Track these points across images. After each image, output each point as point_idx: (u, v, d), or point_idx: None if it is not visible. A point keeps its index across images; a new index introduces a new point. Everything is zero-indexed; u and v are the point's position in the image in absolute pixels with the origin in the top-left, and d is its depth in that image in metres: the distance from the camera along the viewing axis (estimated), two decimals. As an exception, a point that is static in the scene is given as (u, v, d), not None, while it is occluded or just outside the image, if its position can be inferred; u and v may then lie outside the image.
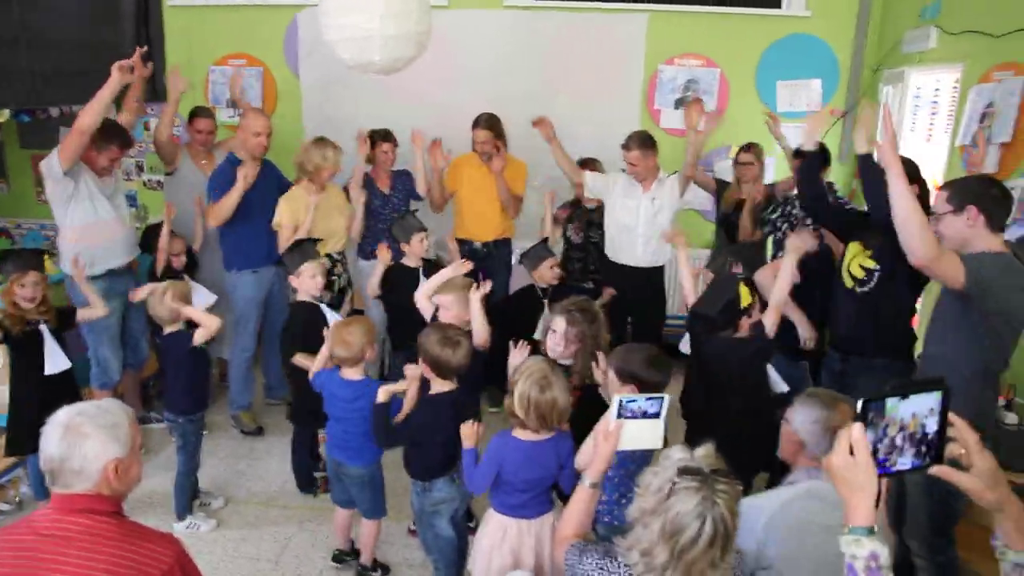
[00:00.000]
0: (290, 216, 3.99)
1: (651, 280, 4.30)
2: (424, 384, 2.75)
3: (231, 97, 5.26)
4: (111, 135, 3.79)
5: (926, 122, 4.53)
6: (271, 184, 4.19)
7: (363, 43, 2.81)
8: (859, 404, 1.21)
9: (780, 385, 3.03)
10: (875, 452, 1.22)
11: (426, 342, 2.64)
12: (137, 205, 5.56)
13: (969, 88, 3.76)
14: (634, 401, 1.89)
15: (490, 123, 4.40)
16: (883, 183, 2.83)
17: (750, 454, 2.69)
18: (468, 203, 4.57)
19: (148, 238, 4.22)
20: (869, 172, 2.95)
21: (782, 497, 1.89)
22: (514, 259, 5.00)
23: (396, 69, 3.02)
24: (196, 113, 4.50)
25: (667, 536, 1.44)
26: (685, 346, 3.25)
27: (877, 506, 1.21)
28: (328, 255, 4.01)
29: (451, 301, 3.16)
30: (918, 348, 3.06)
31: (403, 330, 3.81)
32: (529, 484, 2.35)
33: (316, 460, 3.81)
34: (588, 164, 4.53)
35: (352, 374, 2.92)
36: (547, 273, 3.85)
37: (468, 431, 2.47)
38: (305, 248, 3.61)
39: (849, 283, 3.19)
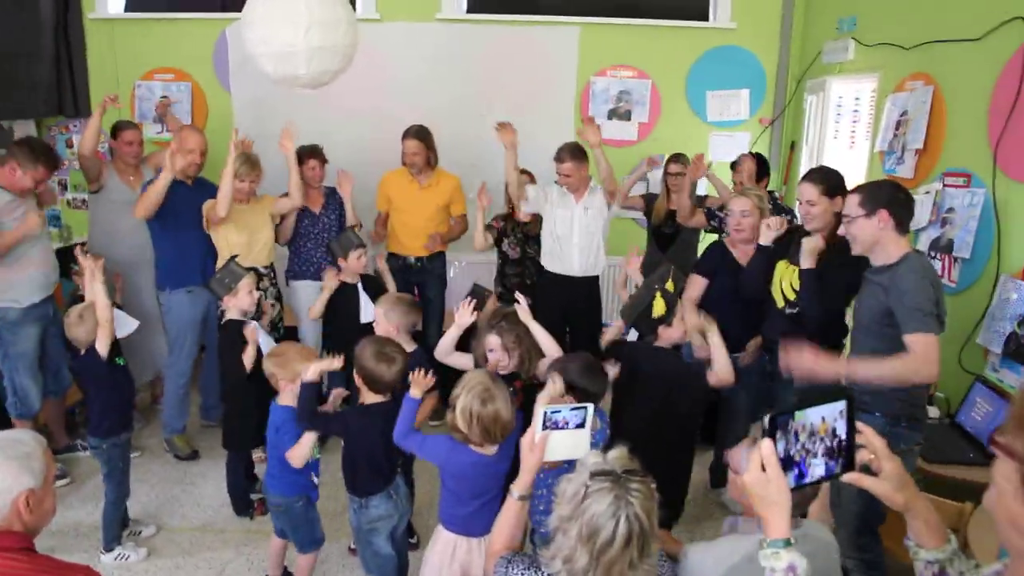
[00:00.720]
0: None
1: (587, 290, 4.31)
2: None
3: (159, 114, 5.15)
4: (38, 154, 3.65)
5: (848, 129, 4.70)
6: (203, 201, 4.09)
7: (288, 57, 2.77)
8: (766, 420, 1.23)
9: None
10: (790, 459, 1.25)
11: (361, 355, 2.62)
12: (61, 225, 5.37)
13: (885, 97, 3.91)
14: (558, 412, 1.89)
15: (420, 134, 4.38)
16: (816, 293, 3.00)
17: (665, 459, 2.74)
18: (399, 217, 4.52)
19: (66, 262, 4.07)
20: (806, 283, 3.07)
21: (740, 551, 1.79)
22: (451, 271, 5.00)
23: (323, 83, 2.99)
24: (121, 126, 4.35)
25: (585, 539, 1.45)
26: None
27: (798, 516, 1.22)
28: (254, 269, 3.93)
29: (378, 315, 3.13)
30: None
31: (339, 348, 3.74)
32: (475, 494, 2.34)
33: (252, 481, 3.73)
34: (524, 173, 4.52)
35: (284, 399, 2.86)
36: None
37: (419, 379, 2.46)
38: (231, 267, 3.53)
39: (780, 303, 3.27)
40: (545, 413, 1.87)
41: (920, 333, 2.36)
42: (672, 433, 2.79)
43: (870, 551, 2.66)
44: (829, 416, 1.28)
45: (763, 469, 1.23)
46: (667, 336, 2.89)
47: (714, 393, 3.00)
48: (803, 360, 2.54)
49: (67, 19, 5.22)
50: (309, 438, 2.74)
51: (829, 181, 3.07)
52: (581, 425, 1.90)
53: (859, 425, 1.31)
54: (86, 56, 5.36)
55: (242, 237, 4.03)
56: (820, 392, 1.29)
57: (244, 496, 3.67)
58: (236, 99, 5.43)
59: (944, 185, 3.33)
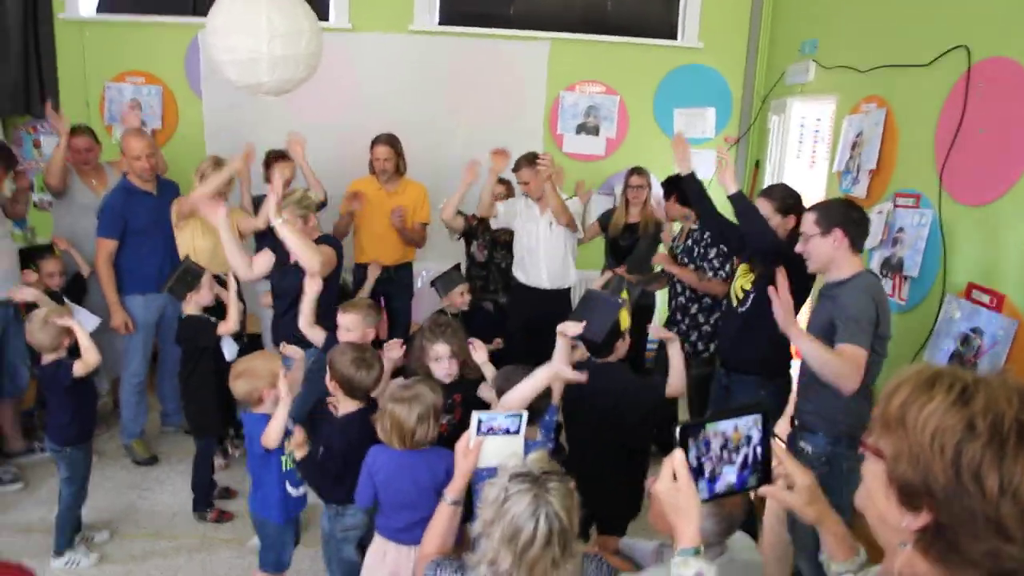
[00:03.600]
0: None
1: (557, 302, 4.32)
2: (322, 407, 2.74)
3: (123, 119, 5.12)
4: None
5: (810, 149, 4.80)
6: (167, 207, 4.08)
7: (251, 64, 2.79)
8: (678, 431, 1.25)
9: None
10: (702, 468, 1.27)
11: (339, 361, 2.62)
12: (25, 227, 5.32)
13: (843, 118, 4.01)
14: (493, 418, 1.92)
15: (391, 140, 4.43)
16: (756, 218, 3.01)
17: (618, 469, 2.79)
18: (367, 227, 4.55)
19: (26, 262, 4.04)
20: (742, 209, 3.11)
21: None
22: (419, 283, 5.02)
23: (286, 90, 3.01)
24: (74, 132, 4.31)
25: (507, 540, 1.49)
26: None
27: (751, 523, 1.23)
28: (216, 276, 3.92)
29: (353, 322, 3.14)
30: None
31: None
32: (407, 502, 2.35)
33: (213, 487, 3.74)
34: (501, 183, 4.54)
35: (264, 407, 2.77)
36: (458, 299, 3.89)
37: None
38: (187, 265, 3.54)
39: (734, 302, 3.35)
40: (480, 419, 1.89)
41: (851, 344, 2.43)
42: (622, 444, 2.82)
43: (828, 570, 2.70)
44: (743, 427, 1.30)
45: (674, 478, 1.25)
46: (621, 351, 2.90)
47: (670, 404, 3.04)
48: (783, 295, 2.58)
49: (36, 19, 5.18)
50: (280, 416, 2.62)
51: (784, 199, 3.16)
52: (516, 431, 1.93)
53: (772, 440, 1.34)
54: (55, 56, 5.33)
55: (207, 242, 4.03)
56: (732, 409, 1.31)
57: (208, 492, 3.66)
58: (207, 105, 5.42)
59: (895, 205, 3.42)
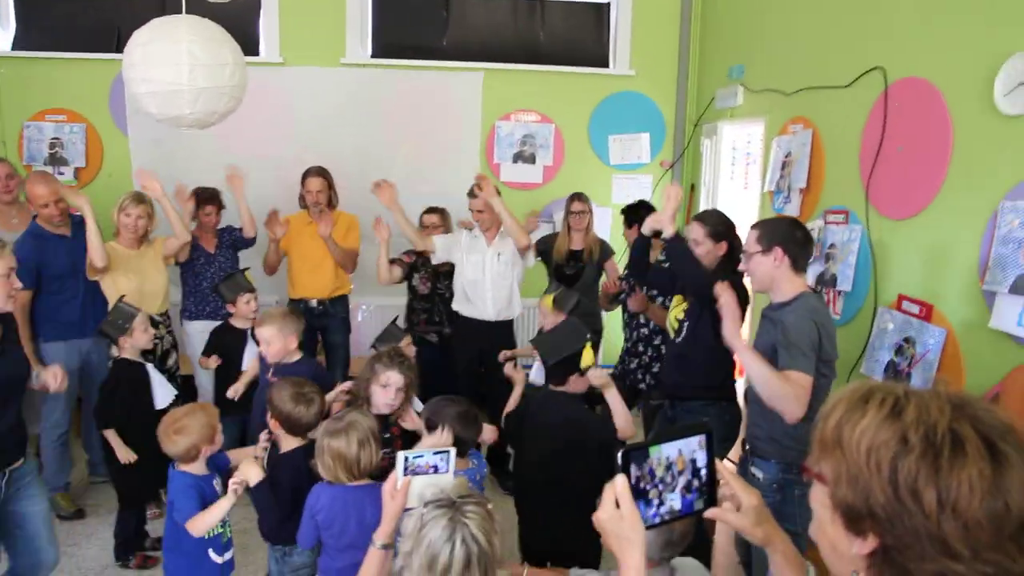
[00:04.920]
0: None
1: (503, 333, 4.26)
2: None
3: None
4: None
5: (743, 171, 4.91)
6: (83, 247, 3.88)
7: (172, 96, 2.71)
8: (619, 456, 1.20)
9: None
10: (646, 494, 1.22)
11: (277, 397, 2.54)
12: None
13: (772, 140, 4.11)
14: (421, 456, 1.85)
15: (322, 172, 4.37)
16: (689, 262, 3.05)
17: (575, 501, 2.71)
18: (300, 262, 4.46)
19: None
20: (675, 255, 3.13)
21: None
22: (359, 315, 4.92)
23: (211, 123, 2.93)
24: None
25: (426, 568, 1.46)
26: (536, 375, 3.25)
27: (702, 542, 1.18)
28: (149, 317, 3.78)
29: (272, 334, 3.03)
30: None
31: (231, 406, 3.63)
32: (351, 542, 2.26)
33: (142, 537, 3.57)
34: (435, 212, 4.51)
35: (194, 467, 2.61)
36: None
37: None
38: (120, 307, 3.39)
39: (672, 333, 3.35)
40: (406, 458, 1.83)
41: (795, 371, 2.38)
42: (572, 479, 2.72)
43: None
44: (687, 450, 1.25)
45: (617, 506, 1.20)
46: (576, 386, 2.83)
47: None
48: (730, 304, 2.58)
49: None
50: (220, 509, 2.45)
51: (716, 225, 3.17)
52: (445, 469, 1.86)
53: (717, 462, 1.30)
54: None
55: (132, 283, 3.86)
56: (675, 431, 1.28)
57: (129, 541, 3.48)
58: (133, 142, 5.26)
59: (826, 222, 3.50)
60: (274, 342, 3.00)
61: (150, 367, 3.45)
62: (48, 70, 5.22)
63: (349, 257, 4.48)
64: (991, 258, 2.42)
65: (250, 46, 5.17)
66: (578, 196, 4.62)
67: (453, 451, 1.90)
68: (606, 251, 4.68)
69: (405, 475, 1.83)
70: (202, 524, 2.45)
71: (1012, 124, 2.37)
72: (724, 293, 2.62)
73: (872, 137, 3.12)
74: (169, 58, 2.70)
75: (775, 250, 2.53)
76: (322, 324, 4.47)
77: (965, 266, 2.58)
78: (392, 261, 4.29)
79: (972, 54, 2.56)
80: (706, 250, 3.11)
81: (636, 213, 4.09)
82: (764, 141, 4.30)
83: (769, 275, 2.57)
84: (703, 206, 5.17)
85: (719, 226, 3.16)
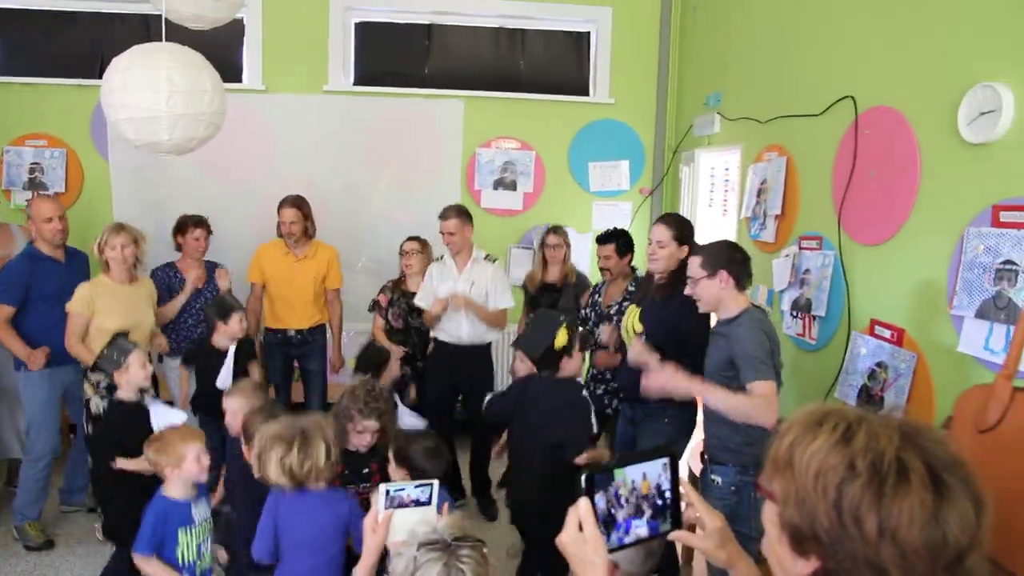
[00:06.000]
0: (83, 304, 3.70)
1: (479, 356, 4.25)
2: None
3: None
4: None
5: (721, 198, 4.96)
6: (74, 275, 3.87)
7: (150, 123, 2.72)
8: (583, 479, 1.20)
9: None
10: (612, 518, 1.22)
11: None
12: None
13: (748, 167, 4.17)
14: (402, 489, 1.81)
15: (297, 202, 4.31)
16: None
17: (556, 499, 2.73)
18: (277, 292, 4.40)
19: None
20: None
21: None
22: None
23: (188, 149, 2.94)
24: None
25: None
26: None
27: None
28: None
29: (239, 405, 2.97)
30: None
31: (207, 413, 3.61)
32: (312, 549, 2.24)
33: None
34: (415, 240, 4.46)
35: (170, 489, 2.60)
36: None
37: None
38: (118, 343, 3.34)
39: (629, 342, 3.39)
40: (388, 491, 1.79)
41: (759, 380, 2.49)
42: (566, 463, 2.73)
43: None
44: (652, 473, 1.26)
45: (580, 529, 1.19)
46: (570, 367, 2.95)
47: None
48: (658, 378, 2.65)
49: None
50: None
51: (681, 229, 3.27)
52: (427, 502, 1.83)
53: (681, 482, 1.31)
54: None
55: (115, 324, 3.68)
56: (638, 453, 1.29)
57: None
58: (114, 168, 5.25)
59: (800, 248, 3.54)
60: (240, 415, 2.95)
61: (149, 400, 3.33)
62: (30, 95, 5.22)
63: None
64: (958, 283, 2.46)
65: (233, 73, 5.21)
66: (554, 229, 4.64)
67: (436, 483, 1.86)
68: (583, 283, 4.68)
69: (387, 508, 1.79)
70: (146, 567, 2.45)
71: (975, 152, 2.43)
72: (663, 370, 2.69)
73: (844, 164, 3.18)
74: (148, 84, 2.71)
75: (720, 273, 2.68)
76: (300, 352, 4.44)
77: (934, 291, 2.63)
78: (373, 305, 4.38)
79: (937, 84, 2.63)
80: (669, 252, 3.20)
81: (611, 239, 4.09)
82: (741, 168, 4.36)
83: (716, 296, 2.71)
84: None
85: (684, 229, 3.28)
